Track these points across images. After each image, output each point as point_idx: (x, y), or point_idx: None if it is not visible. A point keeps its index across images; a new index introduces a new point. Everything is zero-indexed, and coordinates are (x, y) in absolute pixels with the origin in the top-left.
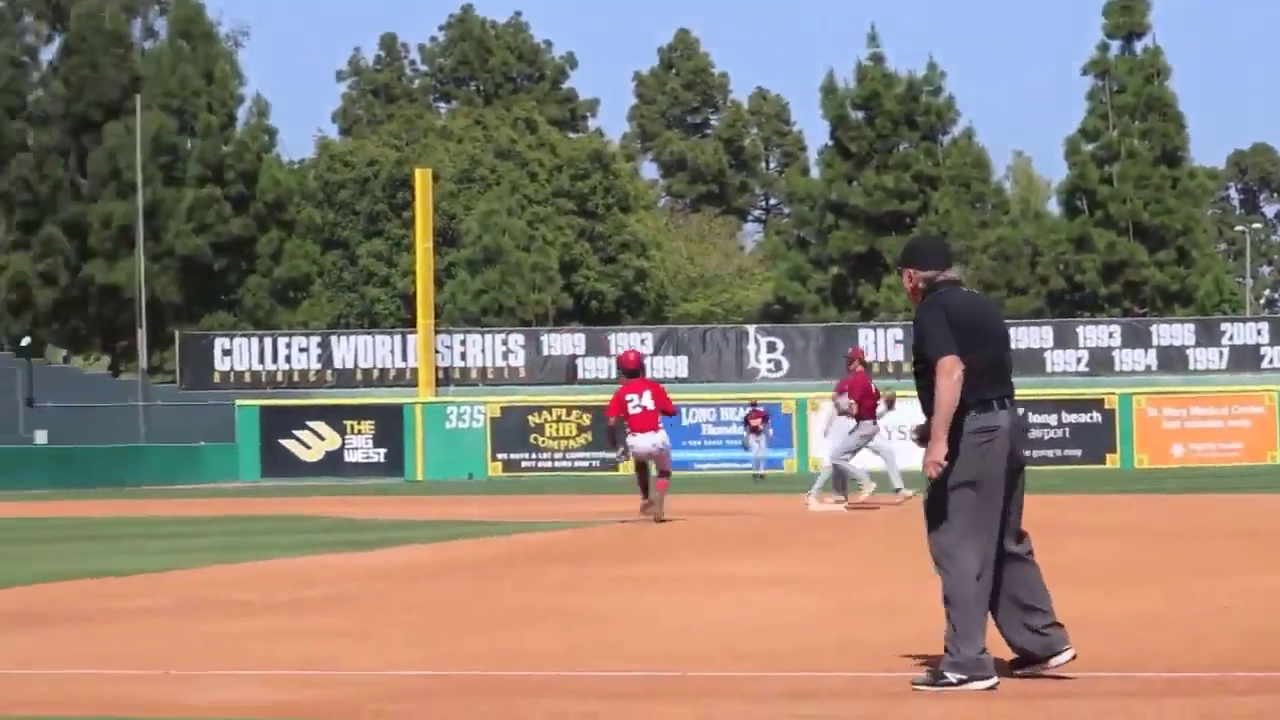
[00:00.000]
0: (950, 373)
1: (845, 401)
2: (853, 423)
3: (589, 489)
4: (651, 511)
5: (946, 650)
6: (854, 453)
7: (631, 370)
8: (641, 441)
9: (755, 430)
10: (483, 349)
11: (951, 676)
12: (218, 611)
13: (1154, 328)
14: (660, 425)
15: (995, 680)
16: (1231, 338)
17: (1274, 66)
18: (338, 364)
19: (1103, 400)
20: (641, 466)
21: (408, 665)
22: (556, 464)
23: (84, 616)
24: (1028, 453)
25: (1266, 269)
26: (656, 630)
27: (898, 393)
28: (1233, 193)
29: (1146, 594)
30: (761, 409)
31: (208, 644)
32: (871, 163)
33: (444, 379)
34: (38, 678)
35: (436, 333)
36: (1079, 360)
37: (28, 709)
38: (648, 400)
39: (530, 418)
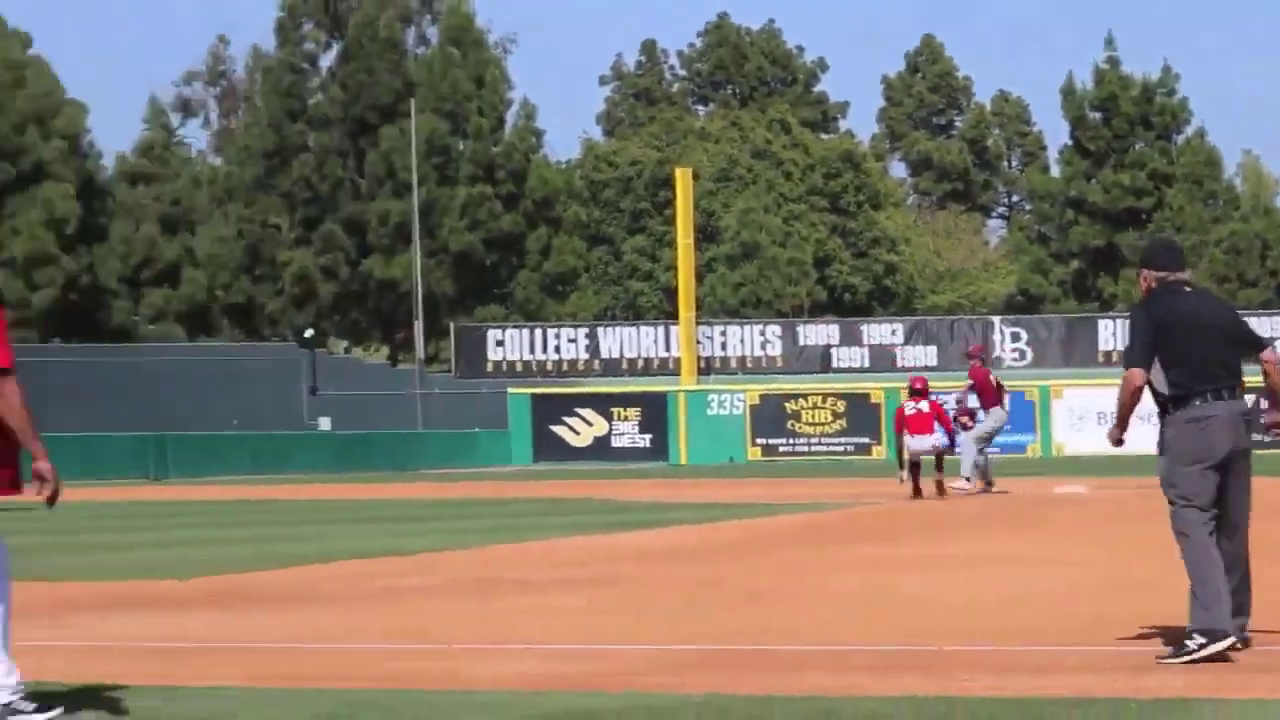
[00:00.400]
0: (1129, 384)
1: (961, 395)
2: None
3: (843, 472)
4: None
5: (1190, 618)
6: (988, 439)
7: (915, 391)
8: (917, 442)
9: (965, 426)
10: (742, 339)
11: (1191, 643)
12: (494, 589)
13: None
14: (936, 428)
15: (1232, 639)
16: None
17: None
18: (604, 354)
19: None
20: (915, 465)
21: (674, 640)
22: (812, 448)
23: (367, 594)
24: (1260, 437)
25: None
26: (909, 606)
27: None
28: None
29: None
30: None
31: (485, 620)
32: (1109, 161)
33: (705, 368)
34: (328, 651)
35: (698, 324)
36: None
37: (319, 681)
38: (924, 405)
39: (787, 405)
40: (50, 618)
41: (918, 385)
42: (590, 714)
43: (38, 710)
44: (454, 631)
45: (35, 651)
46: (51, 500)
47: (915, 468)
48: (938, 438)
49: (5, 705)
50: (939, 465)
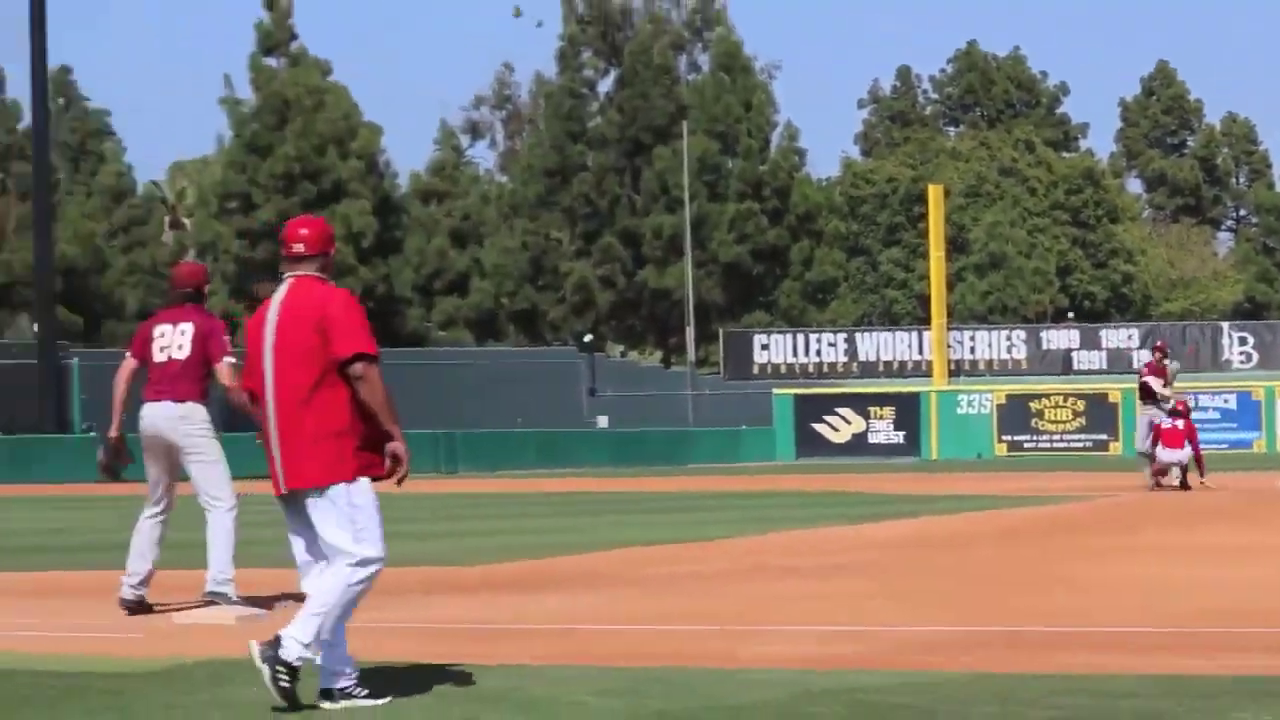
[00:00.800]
0: None
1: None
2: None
3: (1083, 467)
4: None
5: None
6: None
7: (1176, 412)
8: (1168, 454)
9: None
10: (989, 343)
11: None
12: (762, 575)
13: None
14: (1185, 445)
15: None
16: None
17: None
18: (862, 357)
19: None
20: (1161, 471)
21: (934, 622)
22: (1054, 445)
23: (646, 579)
24: None
25: None
26: (1155, 591)
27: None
28: None
29: None
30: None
31: (754, 603)
32: None
33: (955, 369)
34: (611, 632)
35: (948, 329)
36: None
37: (605, 660)
38: (1180, 423)
39: (1031, 404)
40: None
41: (1180, 407)
42: (857, 690)
43: (369, 696)
44: (728, 614)
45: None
46: (400, 481)
47: (1160, 472)
48: (1185, 453)
49: (342, 690)
50: (1184, 469)
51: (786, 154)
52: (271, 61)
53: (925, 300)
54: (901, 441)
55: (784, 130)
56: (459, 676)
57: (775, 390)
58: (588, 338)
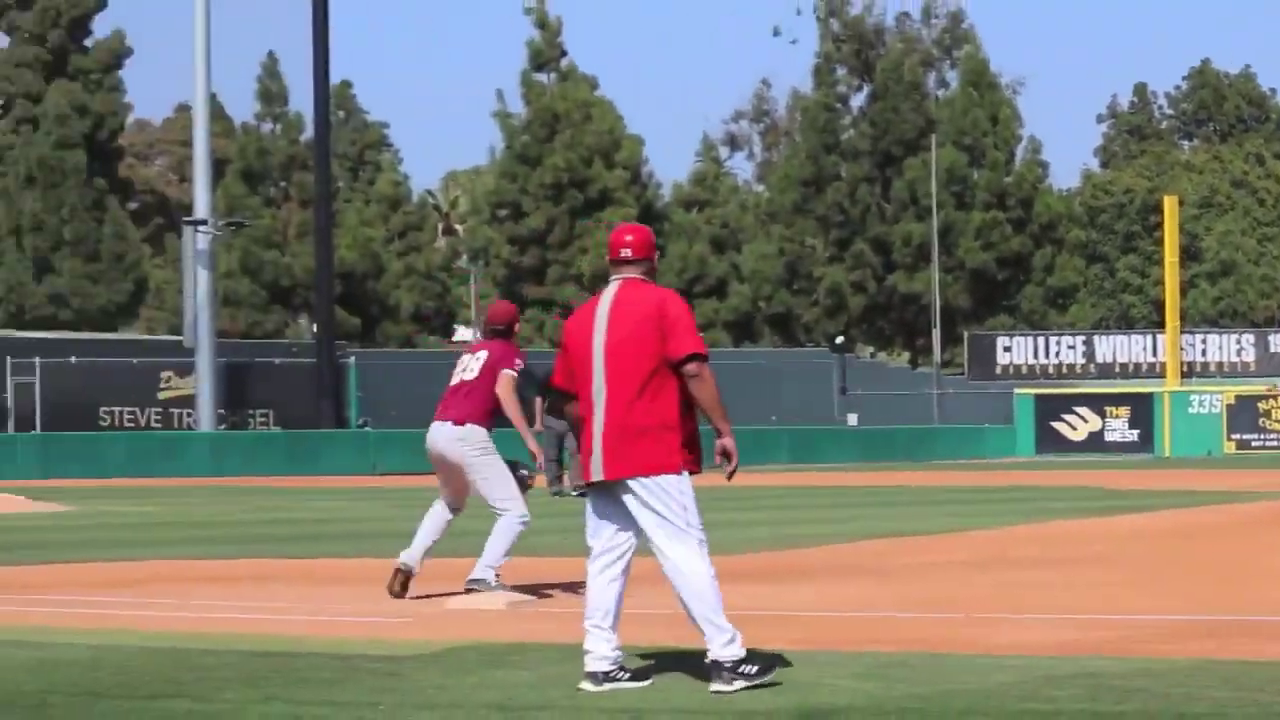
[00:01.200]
0: None
1: None
2: None
3: None
4: None
5: None
6: None
7: None
8: None
9: None
10: (1220, 346)
11: None
12: (1004, 565)
13: None
14: None
15: None
16: None
17: None
18: (1099, 359)
19: None
20: None
21: (1167, 610)
22: None
23: (894, 569)
24: None
25: None
26: None
27: None
28: None
29: None
30: None
31: (999, 592)
32: None
33: (1187, 371)
34: (860, 619)
35: (1181, 333)
36: None
37: (854, 645)
38: None
39: (1259, 404)
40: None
41: None
42: (1096, 675)
43: (632, 679)
44: (973, 602)
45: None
46: (730, 475)
47: None
48: None
49: (605, 674)
50: None
51: (1031, 166)
52: (542, 77)
53: (1160, 305)
54: (1136, 439)
55: (1028, 144)
56: (674, 663)
57: (1017, 390)
58: (839, 339)
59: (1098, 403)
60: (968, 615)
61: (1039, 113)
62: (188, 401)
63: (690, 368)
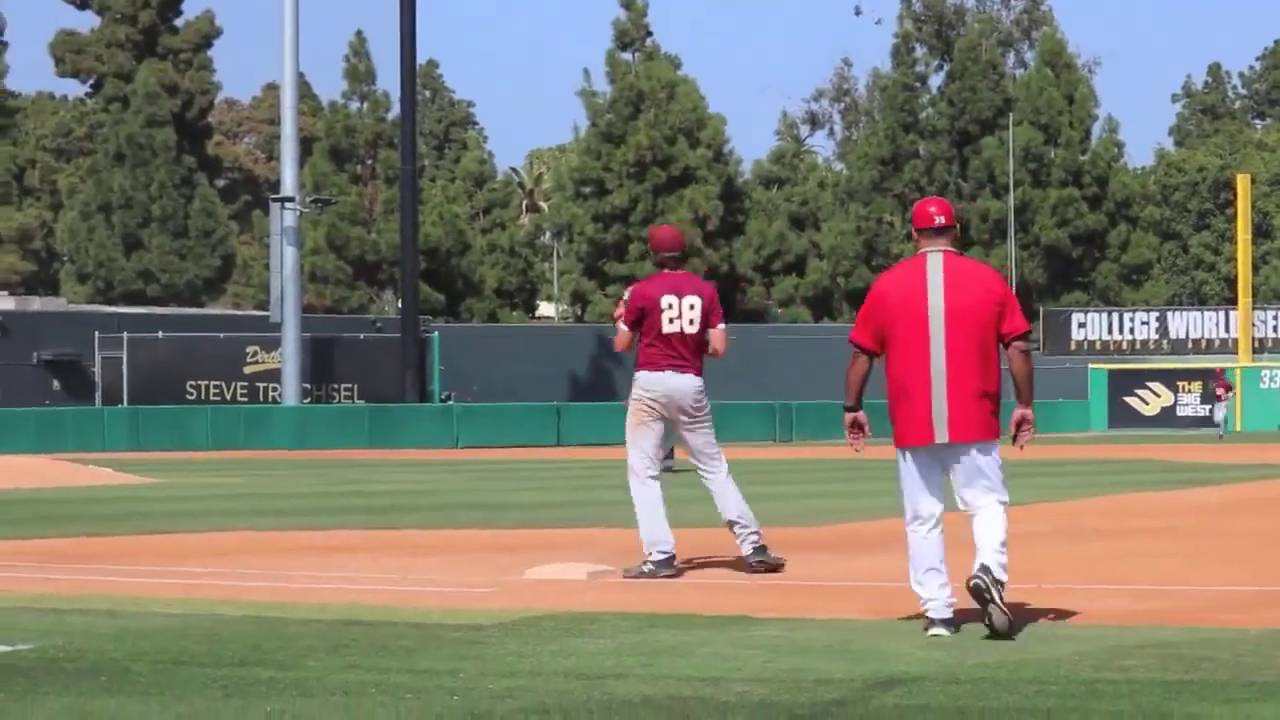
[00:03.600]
0: None
1: None
2: None
3: None
4: None
5: None
6: None
7: None
8: None
9: (1219, 398)
10: None
11: None
12: (1078, 536)
13: None
14: None
15: None
16: None
17: None
18: (1172, 335)
19: None
20: None
21: (1236, 581)
22: None
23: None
24: None
25: None
26: None
27: None
28: None
29: None
30: (1228, 379)
31: (1071, 563)
32: None
33: (1259, 347)
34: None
35: (1253, 309)
36: None
37: (916, 615)
38: None
39: None
40: (709, 556)
41: None
42: (1166, 645)
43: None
44: (1046, 572)
45: (699, 589)
46: (1023, 445)
47: None
48: None
49: (953, 620)
50: None
51: (1106, 145)
52: (626, 56)
53: (1232, 282)
54: (1207, 414)
55: (1104, 123)
56: (788, 626)
57: (1091, 365)
58: None
59: (1170, 378)
60: (1040, 585)
61: (1114, 92)
62: (273, 375)
63: (1022, 344)
